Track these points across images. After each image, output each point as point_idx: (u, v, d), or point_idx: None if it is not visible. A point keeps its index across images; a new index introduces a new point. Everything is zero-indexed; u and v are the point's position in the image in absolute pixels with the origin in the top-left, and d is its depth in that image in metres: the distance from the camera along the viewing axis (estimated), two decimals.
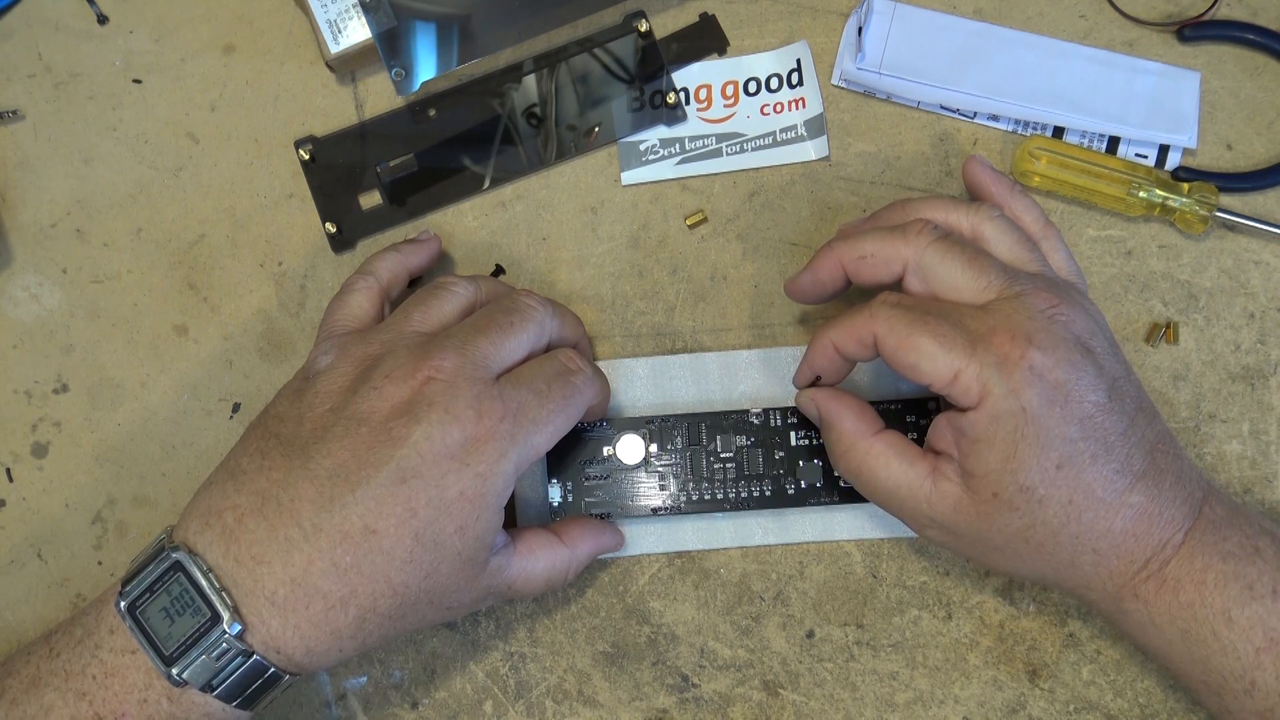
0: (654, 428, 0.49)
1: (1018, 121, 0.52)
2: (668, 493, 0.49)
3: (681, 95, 0.52)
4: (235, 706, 0.39)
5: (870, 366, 0.50)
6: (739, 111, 0.52)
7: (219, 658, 0.38)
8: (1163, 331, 0.50)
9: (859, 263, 0.43)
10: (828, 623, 0.50)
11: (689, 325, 0.51)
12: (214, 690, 0.38)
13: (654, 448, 0.49)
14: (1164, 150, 0.51)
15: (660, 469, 0.49)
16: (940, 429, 0.42)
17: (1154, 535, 0.40)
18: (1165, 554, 0.40)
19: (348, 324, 0.44)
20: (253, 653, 0.38)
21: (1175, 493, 0.40)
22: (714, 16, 0.53)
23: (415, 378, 0.40)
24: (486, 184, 0.52)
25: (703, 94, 0.52)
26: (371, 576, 0.39)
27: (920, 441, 0.49)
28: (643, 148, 0.52)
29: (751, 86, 0.52)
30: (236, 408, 0.51)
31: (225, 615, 0.38)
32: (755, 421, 0.49)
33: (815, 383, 0.46)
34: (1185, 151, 0.51)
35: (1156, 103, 0.51)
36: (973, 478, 0.40)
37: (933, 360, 0.40)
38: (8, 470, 0.51)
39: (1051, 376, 0.39)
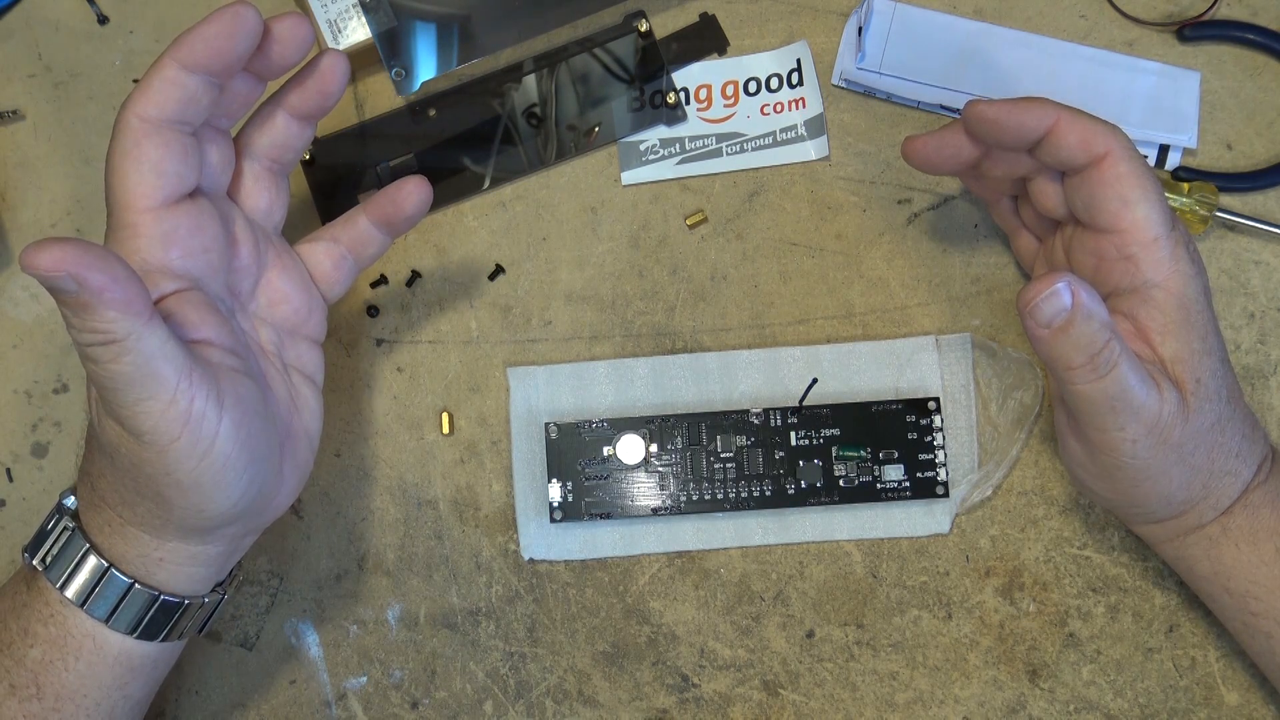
0: (654, 428, 0.49)
1: None
2: (668, 493, 0.49)
3: (681, 95, 0.52)
4: (108, 621, 0.40)
5: (870, 358, 0.50)
6: (739, 111, 0.52)
7: (61, 535, 0.41)
8: None
9: (1038, 119, 0.41)
10: (828, 623, 0.50)
11: (689, 325, 0.51)
12: (65, 584, 0.40)
13: (654, 448, 0.49)
14: (1164, 150, 0.51)
15: (660, 469, 0.49)
16: (1121, 327, 0.41)
17: (1260, 442, 0.44)
18: (1267, 465, 0.43)
19: None
20: (88, 540, 0.40)
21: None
22: (714, 16, 0.53)
23: None
24: (486, 184, 0.52)
25: (703, 94, 0.52)
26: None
27: (920, 442, 0.49)
28: (643, 148, 0.52)
29: (751, 86, 0.52)
30: None
31: (69, 495, 0.42)
32: (755, 421, 0.49)
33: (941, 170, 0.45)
34: (1185, 151, 0.51)
35: (1156, 103, 0.51)
36: (1177, 364, 0.41)
37: (1149, 207, 0.40)
38: (8, 470, 0.51)
39: (1206, 281, 0.42)
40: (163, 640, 0.42)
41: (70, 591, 0.40)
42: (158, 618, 0.41)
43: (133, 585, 0.40)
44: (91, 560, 0.40)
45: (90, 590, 0.40)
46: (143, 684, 0.43)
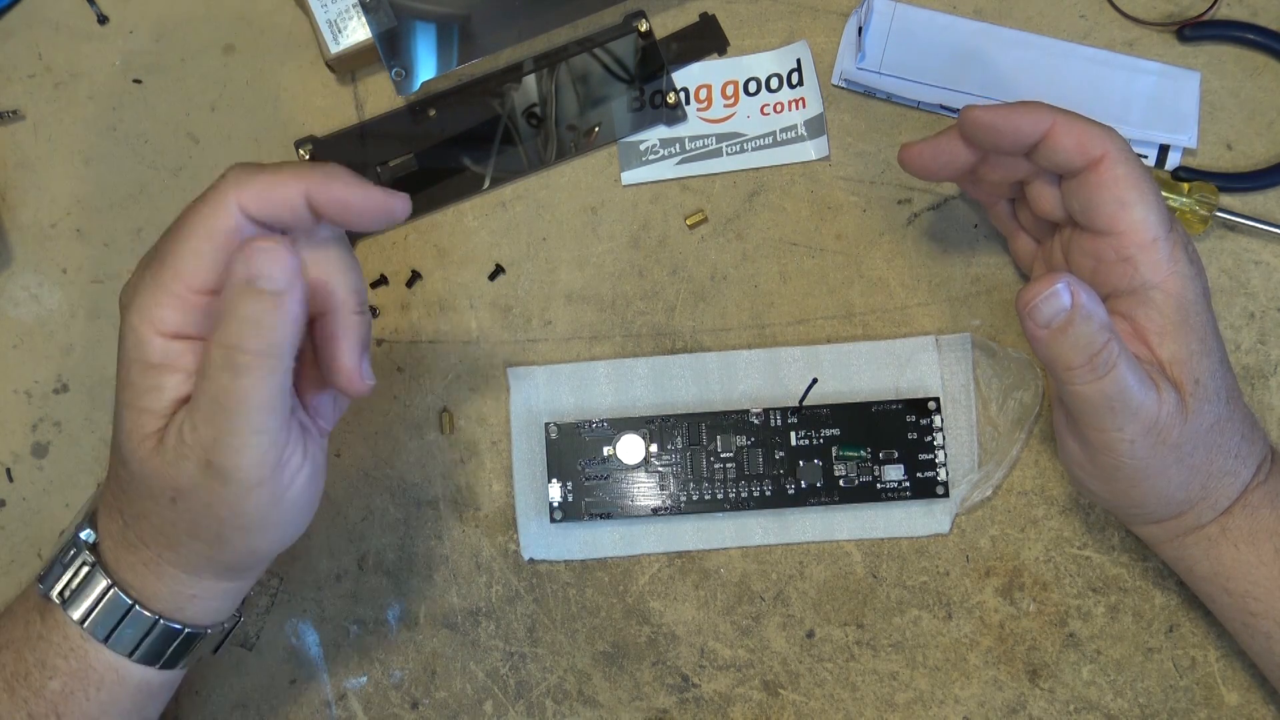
0: (654, 428, 0.49)
1: None
2: (668, 493, 0.49)
3: (681, 95, 0.52)
4: (121, 650, 0.40)
5: (870, 358, 0.50)
6: (739, 111, 0.52)
7: (80, 570, 0.40)
8: None
9: (1033, 124, 0.41)
10: (828, 623, 0.50)
11: (689, 325, 0.51)
12: (86, 620, 0.40)
13: (654, 448, 0.49)
14: (1164, 150, 0.51)
15: (660, 469, 0.49)
16: (1120, 329, 0.41)
17: (1260, 443, 0.43)
18: (1267, 465, 0.43)
19: None
20: (108, 574, 0.40)
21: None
22: (714, 16, 0.53)
23: None
24: (486, 184, 0.52)
25: (703, 94, 0.52)
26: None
27: (920, 442, 0.49)
28: (643, 148, 0.52)
29: (751, 86, 0.52)
30: None
31: (85, 529, 0.41)
32: (755, 421, 0.49)
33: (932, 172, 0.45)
34: (1185, 151, 0.51)
35: (1156, 103, 0.51)
36: (1175, 365, 0.41)
37: (1146, 209, 0.40)
38: (8, 470, 0.51)
39: (1205, 282, 0.42)
40: (182, 667, 0.42)
41: (93, 628, 0.40)
42: (180, 648, 0.41)
43: (158, 621, 0.40)
44: (116, 597, 0.40)
45: (114, 627, 0.40)
46: (158, 706, 0.43)
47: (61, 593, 0.40)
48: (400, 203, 0.38)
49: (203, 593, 0.41)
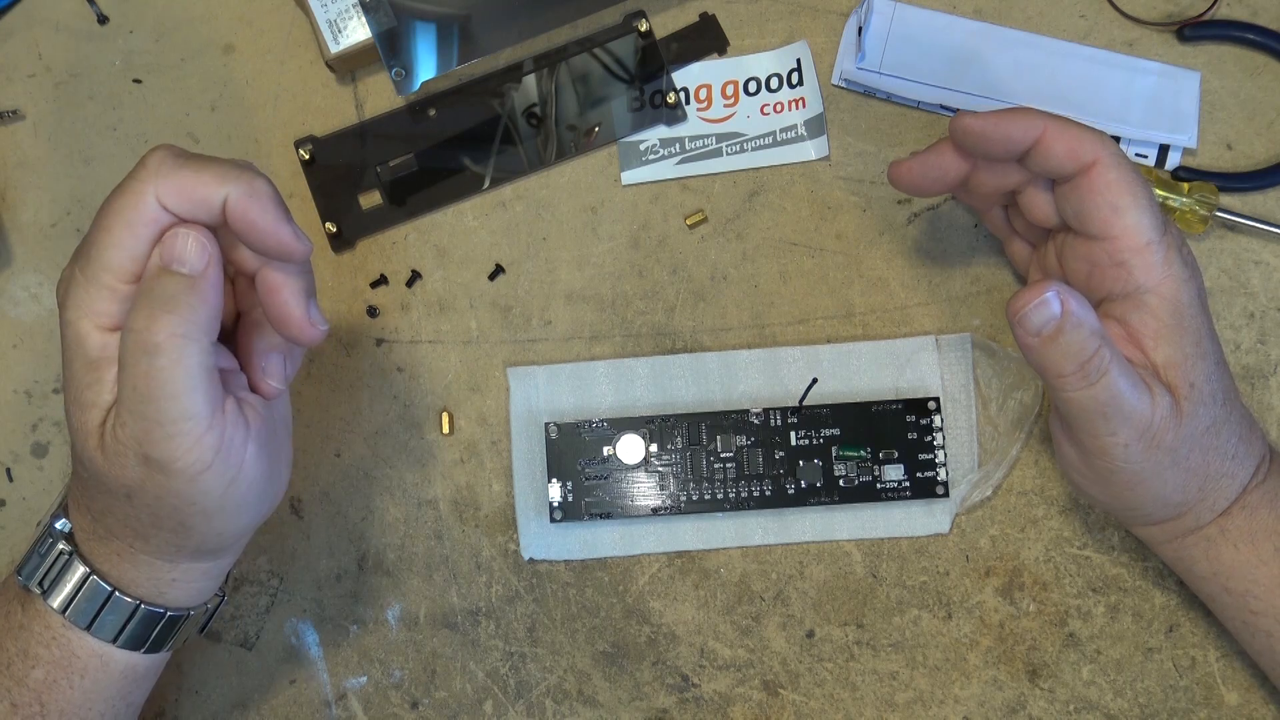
0: (654, 428, 0.49)
1: None
2: (668, 493, 0.49)
3: (681, 95, 0.52)
4: (97, 633, 0.40)
5: (870, 358, 0.50)
6: (739, 111, 0.52)
7: (58, 559, 0.40)
8: None
9: (1025, 130, 0.41)
10: (828, 623, 0.50)
11: (689, 325, 0.51)
12: (67, 608, 0.40)
13: (654, 448, 0.49)
14: (1164, 150, 0.51)
15: (660, 469, 0.49)
16: (1114, 333, 0.41)
17: (1257, 444, 0.43)
18: (1265, 466, 0.43)
19: None
20: (89, 564, 0.40)
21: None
22: (714, 16, 0.53)
23: None
24: (486, 184, 0.52)
25: (703, 94, 0.52)
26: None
27: (920, 442, 0.49)
28: (643, 147, 0.52)
29: (751, 86, 0.52)
30: None
31: (60, 518, 0.41)
32: (755, 421, 0.49)
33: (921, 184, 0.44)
34: (1185, 151, 0.51)
35: (1156, 103, 0.51)
36: (1170, 369, 0.41)
37: (1139, 213, 0.40)
38: (8, 470, 0.51)
39: (1200, 284, 0.42)
40: (168, 649, 0.42)
41: (74, 616, 0.40)
42: (164, 631, 0.41)
43: (139, 606, 0.40)
44: (95, 584, 0.40)
45: (95, 614, 0.40)
46: (144, 689, 0.43)
47: (41, 581, 0.40)
48: (302, 247, 0.37)
49: (182, 576, 0.41)
